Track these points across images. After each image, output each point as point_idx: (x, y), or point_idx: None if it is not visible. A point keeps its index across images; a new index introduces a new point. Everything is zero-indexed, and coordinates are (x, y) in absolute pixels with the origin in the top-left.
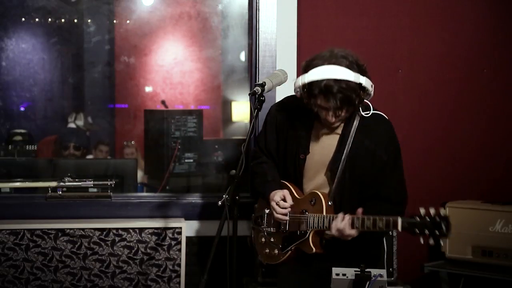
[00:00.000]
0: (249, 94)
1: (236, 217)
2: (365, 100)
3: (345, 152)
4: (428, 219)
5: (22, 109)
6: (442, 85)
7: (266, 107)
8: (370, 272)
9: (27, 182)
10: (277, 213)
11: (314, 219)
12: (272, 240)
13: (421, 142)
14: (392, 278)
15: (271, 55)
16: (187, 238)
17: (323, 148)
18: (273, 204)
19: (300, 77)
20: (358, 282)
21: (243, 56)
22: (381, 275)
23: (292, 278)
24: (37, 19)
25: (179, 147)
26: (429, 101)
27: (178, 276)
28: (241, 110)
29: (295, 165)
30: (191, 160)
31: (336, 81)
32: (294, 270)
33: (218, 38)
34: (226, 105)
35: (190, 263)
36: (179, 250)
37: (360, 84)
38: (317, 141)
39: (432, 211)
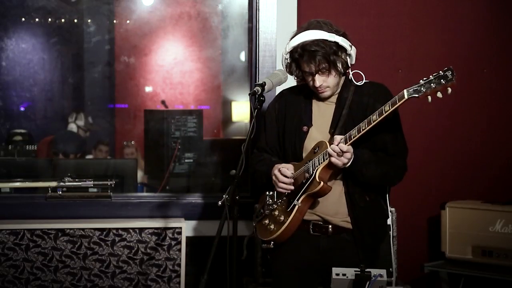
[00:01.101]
0: (249, 94)
1: (236, 217)
2: (357, 71)
3: (343, 111)
4: (431, 77)
5: (22, 109)
6: None
7: (266, 107)
8: (370, 272)
9: (27, 182)
10: (280, 181)
11: (319, 157)
12: (276, 213)
13: (421, 142)
14: (392, 278)
15: (271, 55)
16: (187, 238)
17: (324, 119)
18: (276, 171)
19: (283, 49)
20: (358, 282)
21: (243, 56)
22: (381, 275)
23: (290, 273)
24: (37, 19)
25: (179, 147)
26: (429, 101)
27: (178, 276)
28: (241, 110)
29: (295, 140)
30: (191, 160)
31: (312, 41)
32: (292, 265)
33: (218, 38)
34: (226, 105)
35: (190, 263)
36: (179, 250)
37: (336, 43)
38: (318, 113)
39: (434, 74)
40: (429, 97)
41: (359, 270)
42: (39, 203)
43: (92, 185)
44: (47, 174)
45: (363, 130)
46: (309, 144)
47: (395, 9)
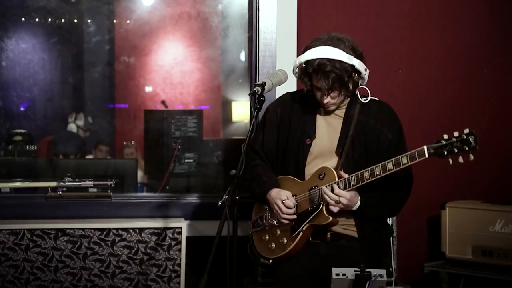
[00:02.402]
0: (249, 94)
1: (236, 217)
2: (362, 86)
3: (350, 132)
4: (454, 139)
5: (22, 109)
6: (442, 85)
7: (266, 107)
8: (370, 272)
9: (27, 182)
10: (283, 213)
11: (326, 188)
12: (278, 232)
13: (421, 142)
14: (392, 278)
15: (271, 55)
16: (187, 238)
17: (328, 133)
18: (278, 202)
19: (297, 58)
20: (358, 282)
21: (243, 56)
22: (381, 275)
23: (291, 279)
24: (37, 19)
25: (179, 147)
26: (429, 101)
27: (178, 276)
28: (241, 110)
29: (298, 152)
30: (191, 160)
31: (329, 60)
32: (293, 271)
33: (218, 38)
34: (226, 105)
35: (190, 263)
36: (179, 250)
37: (353, 66)
38: (322, 126)
39: (455, 133)
40: (450, 160)
41: (359, 270)
42: (39, 203)
43: (92, 185)
44: (47, 174)
45: (377, 175)
46: (311, 160)
47: (395, 9)
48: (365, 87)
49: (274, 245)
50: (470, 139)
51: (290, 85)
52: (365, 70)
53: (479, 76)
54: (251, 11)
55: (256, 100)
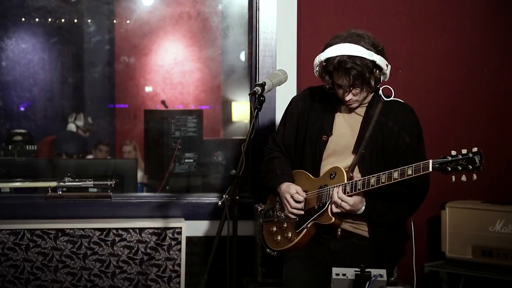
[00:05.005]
0: (249, 94)
1: (236, 217)
2: (387, 86)
3: (368, 132)
4: (460, 156)
5: (22, 109)
6: (442, 85)
7: (266, 107)
8: (370, 272)
9: (27, 182)
10: (291, 207)
11: (335, 189)
12: (285, 225)
13: None
14: (392, 278)
15: (271, 55)
16: (187, 238)
17: (346, 130)
18: (288, 196)
19: (317, 56)
20: (358, 282)
21: (243, 56)
22: (381, 275)
23: (300, 271)
24: (37, 19)
25: (179, 147)
26: (429, 101)
27: (178, 276)
28: (241, 110)
29: (315, 148)
30: (191, 160)
31: (350, 57)
32: (302, 263)
33: (218, 38)
34: (226, 105)
35: (190, 263)
36: (179, 250)
37: (374, 62)
38: (340, 123)
39: (463, 150)
40: (453, 177)
41: (359, 270)
42: (39, 203)
43: (92, 185)
44: (47, 174)
45: (382, 183)
46: (327, 156)
47: (395, 9)
48: (389, 87)
49: (279, 238)
50: (476, 158)
51: (290, 85)
52: (387, 66)
53: (479, 76)
54: (251, 11)
55: (256, 100)
